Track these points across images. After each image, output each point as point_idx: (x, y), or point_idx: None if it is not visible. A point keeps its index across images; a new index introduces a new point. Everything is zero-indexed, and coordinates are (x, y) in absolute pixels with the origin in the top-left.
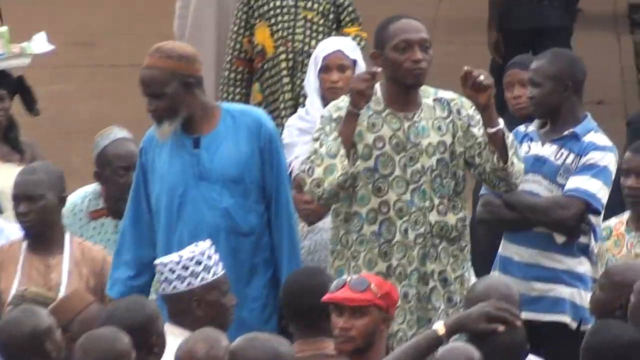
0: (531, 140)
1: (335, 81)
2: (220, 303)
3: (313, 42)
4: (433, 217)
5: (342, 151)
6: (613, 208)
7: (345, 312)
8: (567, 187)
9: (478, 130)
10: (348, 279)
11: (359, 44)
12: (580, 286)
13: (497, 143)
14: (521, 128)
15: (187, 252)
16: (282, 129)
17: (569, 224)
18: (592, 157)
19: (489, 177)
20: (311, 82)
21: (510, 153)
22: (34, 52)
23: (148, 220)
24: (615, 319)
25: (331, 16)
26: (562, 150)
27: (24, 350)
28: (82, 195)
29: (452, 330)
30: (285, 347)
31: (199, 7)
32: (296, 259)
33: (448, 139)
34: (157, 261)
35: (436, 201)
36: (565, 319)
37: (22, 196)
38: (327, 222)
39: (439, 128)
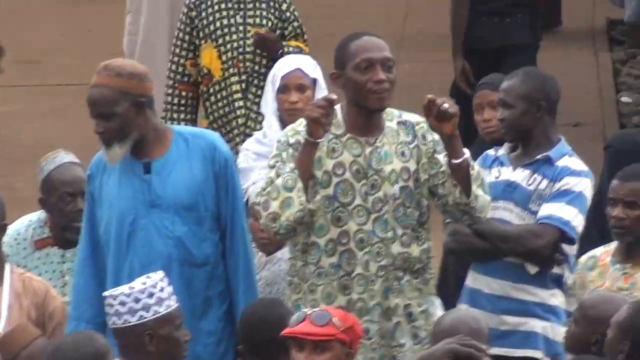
0: (501, 164)
1: (294, 102)
2: (173, 337)
3: (264, 61)
4: (396, 248)
5: (299, 184)
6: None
7: (306, 347)
8: (540, 214)
9: (443, 158)
10: (309, 312)
11: None
12: (554, 319)
13: (461, 175)
14: (491, 152)
15: (139, 283)
16: (236, 155)
17: (542, 254)
18: (567, 182)
19: (451, 209)
20: (269, 103)
21: (474, 186)
22: None
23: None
24: (591, 354)
25: (278, 32)
26: (535, 175)
27: None
28: (26, 223)
29: None
30: None
31: (149, 24)
32: (253, 291)
33: (412, 166)
34: (106, 293)
35: (399, 232)
36: (538, 354)
37: None
38: (285, 252)
39: (403, 154)
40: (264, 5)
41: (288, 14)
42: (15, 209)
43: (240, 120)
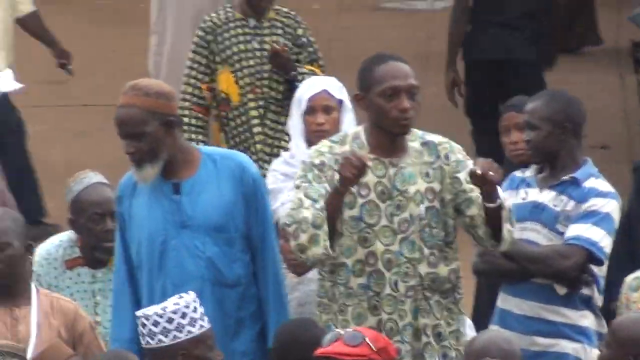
0: (528, 186)
1: (321, 123)
2: (206, 358)
3: (281, 88)
4: (424, 268)
5: (326, 227)
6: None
7: None
8: (567, 235)
9: (464, 177)
10: (342, 332)
11: None
12: (585, 341)
13: (493, 217)
14: (518, 173)
15: (171, 303)
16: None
17: (569, 274)
18: (594, 203)
19: (478, 239)
20: (295, 125)
21: (505, 227)
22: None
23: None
24: None
25: (293, 57)
26: (562, 196)
27: None
28: (57, 243)
29: None
30: None
31: (174, 45)
32: (284, 312)
33: (436, 186)
34: (139, 313)
35: (426, 252)
36: None
37: None
38: (316, 272)
39: (427, 174)
40: (280, 31)
41: (304, 39)
42: None
43: (258, 146)
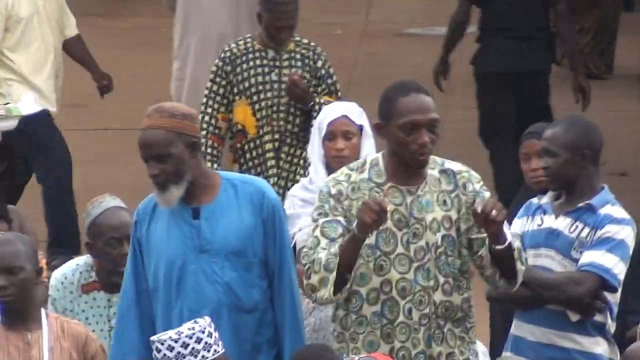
0: (544, 212)
1: (341, 149)
2: None
3: (297, 121)
4: (438, 297)
5: (335, 274)
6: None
7: None
8: (581, 261)
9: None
10: (356, 358)
11: None
12: None
13: (503, 257)
14: (534, 200)
15: (186, 328)
16: None
17: (582, 301)
18: (609, 230)
19: (486, 279)
20: (315, 150)
21: (516, 265)
22: (22, 114)
23: (149, 298)
24: None
25: (311, 89)
26: (577, 223)
27: None
28: (74, 267)
29: None
30: None
31: (197, 70)
32: (300, 337)
33: (454, 215)
34: (153, 337)
35: (441, 280)
36: None
37: (1, 268)
38: None
39: (444, 202)
40: (299, 63)
41: (323, 71)
42: None
43: (271, 180)
